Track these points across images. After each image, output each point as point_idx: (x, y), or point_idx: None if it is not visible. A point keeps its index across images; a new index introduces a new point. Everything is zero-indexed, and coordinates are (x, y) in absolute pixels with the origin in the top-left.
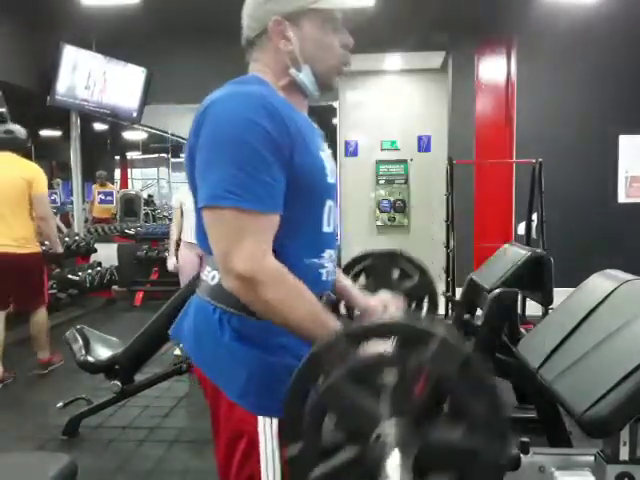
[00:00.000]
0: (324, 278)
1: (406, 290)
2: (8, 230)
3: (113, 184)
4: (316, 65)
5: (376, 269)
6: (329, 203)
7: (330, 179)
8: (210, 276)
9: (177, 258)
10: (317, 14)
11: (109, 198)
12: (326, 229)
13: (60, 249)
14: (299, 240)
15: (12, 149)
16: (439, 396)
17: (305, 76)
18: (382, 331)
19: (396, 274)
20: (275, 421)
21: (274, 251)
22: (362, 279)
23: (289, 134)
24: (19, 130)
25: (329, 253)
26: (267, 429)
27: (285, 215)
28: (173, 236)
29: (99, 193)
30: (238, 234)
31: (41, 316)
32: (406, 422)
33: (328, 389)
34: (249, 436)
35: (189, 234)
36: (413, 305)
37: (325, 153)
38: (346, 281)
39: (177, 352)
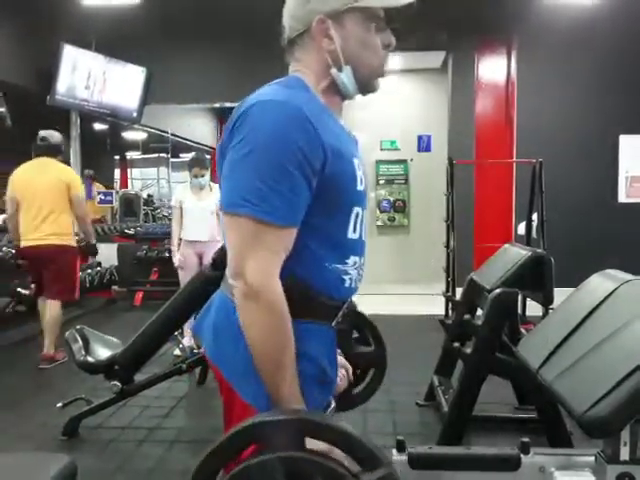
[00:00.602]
0: (347, 285)
1: (360, 354)
2: (51, 226)
3: (112, 183)
4: (358, 65)
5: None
6: (356, 210)
7: (360, 186)
8: None
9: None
10: (360, 12)
11: (109, 198)
12: (352, 235)
13: (93, 240)
14: (323, 244)
15: (49, 154)
16: None
17: (346, 76)
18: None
19: (354, 334)
20: None
21: (297, 251)
22: None
23: (322, 146)
24: (52, 135)
25: (354, 260)
26: None
27: (313, 220)
28: (174, 234)
29: (99, 193)
30: (252, 243)
31: (58, 310)
32: None
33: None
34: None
35: (189, 232)
36: (358, 371)
37: (358, 160)
38: None
39: (177, 352)
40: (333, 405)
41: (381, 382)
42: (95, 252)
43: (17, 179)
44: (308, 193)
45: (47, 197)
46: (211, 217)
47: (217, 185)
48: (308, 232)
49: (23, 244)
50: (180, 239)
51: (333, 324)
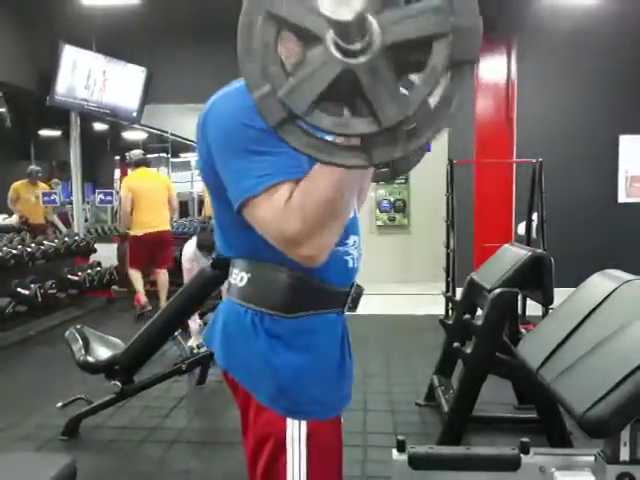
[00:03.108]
0: (350, 265)
1: None
2: (162, 218)
3: (112, 183)
4: None
5: None
6: None
7: None
8: (238, 278)
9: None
10: None
11: (108, 198)
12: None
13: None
14: None
15: (147, 165)
16: None
17: None
18: None
19: None
20: (304, 424)
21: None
22: None
23: None
24: (142, 152)
25: (353, 239)
26: (295, 433)
27: None
28: None
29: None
30: (276, 210)
31: (167, 274)
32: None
33: None
34: (276, 439)
35: None
36: None
37: None
38: None
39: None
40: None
41: None
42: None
43: (131, 184)
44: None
45: (157, 197)
46: None
47: None
48: None
49: (145, 231)
50: None
51: (344, 310)
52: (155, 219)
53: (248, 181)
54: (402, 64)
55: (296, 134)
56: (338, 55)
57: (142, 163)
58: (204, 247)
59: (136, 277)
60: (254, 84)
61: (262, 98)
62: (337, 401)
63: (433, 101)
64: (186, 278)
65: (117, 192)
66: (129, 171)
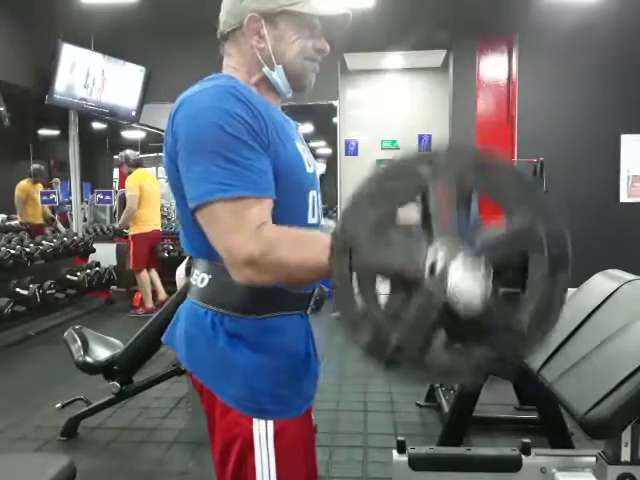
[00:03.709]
0: None
1: None
2: (159, 217)
3: (111, 183)
4: (289, 66)
5: None
6: (312, 193)
7: (309, 169)
8: (199, 279)
9: None
10: (293, 16)
11: (107, 198)
12: (312, 220)
13: None
14: None
15: (143, 166)
16: (467, 195)
17: (278, 76)
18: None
19: None
20: (270, 423)
21: None
22: None
23: (264, 121)
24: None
25: None
26: (262, 432)
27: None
28: None
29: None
30: (237, 224)
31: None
32: (450, 236)
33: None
34: (244, 440)
35: None
36: None
37: (301, 145)
38: None
39: None
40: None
41: None
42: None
43: (140, 182)
44: (270, 165)
45: (158, 196)
46: None
47: None
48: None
49: (152, 228)
50: None
51: (308, 312)
52: (156, 217)
53: (209, 185)
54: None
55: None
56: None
57: (140, 163)
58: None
59: (147, 279)
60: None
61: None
62: (301, 400)
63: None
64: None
65: (116, 191)
66: (124, 170)
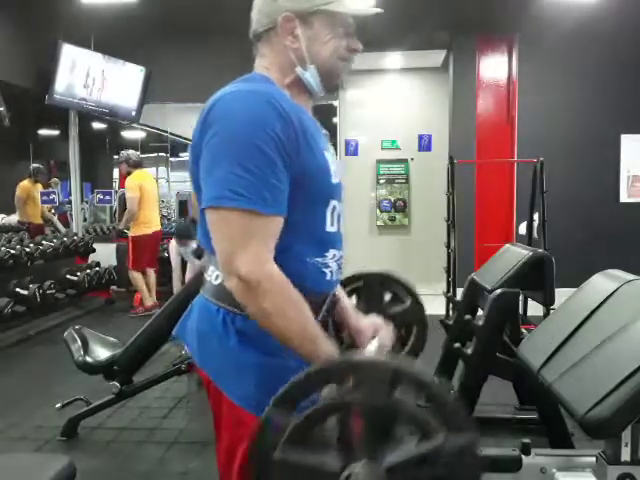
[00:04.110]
0: (328, 278)
1: (396, 314)
2: (158, 217)
3: (111, 183)
4: (322, 66)
5: (367, 291)
6: (333, 203)
7: (334, 179)
8: (214, 276)
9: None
10: (328, 15)
11: (107, 198)
12: (330, 229)
13: None
14: (303, 239)
15: (142, 167)
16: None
17: (311, 76)
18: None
19: (387, 297)
20: None
21: (277, 249)
22: (353, 300)
23: (296, 133)
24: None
25: (333, 253)
26: None
27: (290, 215)
28: None
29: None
30: (243, 236)
31: (154, 274)
32: (369, 458)
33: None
34: (251, 439)
35: None
36: (402, 330)
37: (329, 153)
38: (342, 295)
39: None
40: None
41: (425, 338)
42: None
43: (140, 183)
44: (288, 181)
45: (156, 197)
46: None
47: None
48: (286, 227)
49: (152, 230)
50: None
51: (319, 318)
52: (157, 218)
53: (222, 190)
54: None
55: None
56: None
57: (140, 164)
58: (179, 236)
59: (141, 279)
60: None
61: None
62: (308, 402)
63: None
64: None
65: (116, 191)
66: (123, 170)
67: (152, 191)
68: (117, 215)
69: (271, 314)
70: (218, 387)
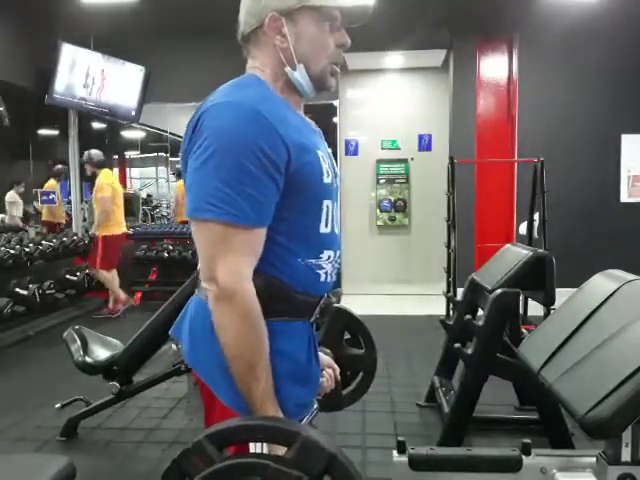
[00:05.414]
0: (322, 279)
1: (350, 357)
2: (123, 218)
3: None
4: (311, 64)
5: (331, 325)
6: (327, 203)
7: (327, 179)
8: None
9: None
10: (313, 11)
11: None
12: (324, 230)
13: None
14: (296, 241)
15: (106, 166)
16: None
17: (300, 76)
18: (247, 434)
19: (346, 335)
20: None
21: (271, 251)
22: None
23: (284, 143)
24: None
25: (328, 254)
26: None
27: (282, 215)
28: None
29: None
30: (221, 246)
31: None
32: None
33: None
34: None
35: None
36: (349, 372)
37: (323, 152)
38: None
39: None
40: (316, 406)
41: (369, 386)
42: None
43: (111, 183)
44: (275, 192)
45: (122, 197)
46: None
47: None
48: (280, 229)
49: (122, 231)
50: None
51: (312, 320)
52: (123, 219)
53: (201, 202)
54: None
55: None
56: None
57: (104, 163)
58: None
59: (110, 277)
60: None
61: None
62: (297, 408)
63: None
64: None
65: (91, 192)
66: (87, 170)
67: (120, 191)
68: (91, 217)
69: (231, 332)
70: (208, 386)
